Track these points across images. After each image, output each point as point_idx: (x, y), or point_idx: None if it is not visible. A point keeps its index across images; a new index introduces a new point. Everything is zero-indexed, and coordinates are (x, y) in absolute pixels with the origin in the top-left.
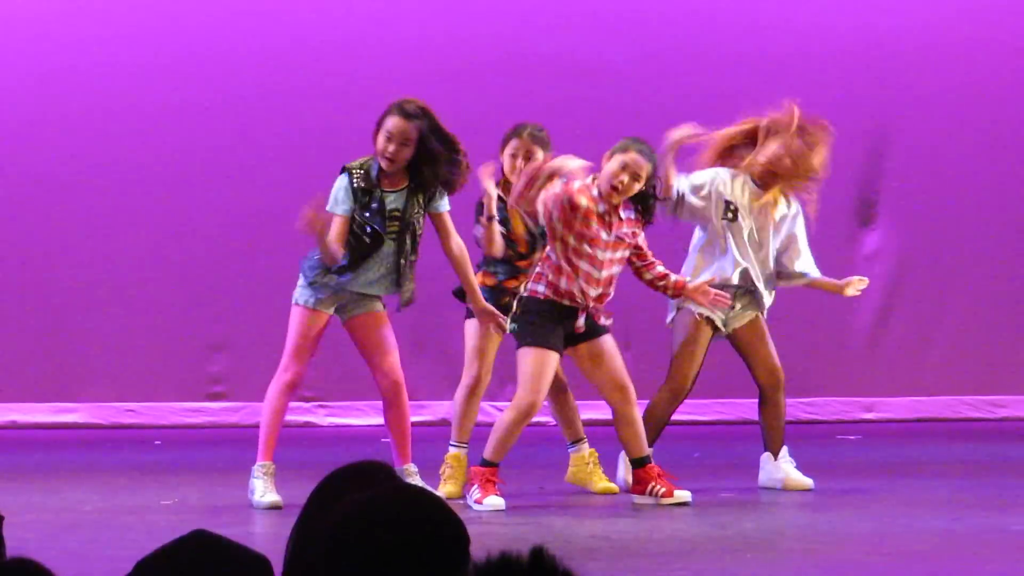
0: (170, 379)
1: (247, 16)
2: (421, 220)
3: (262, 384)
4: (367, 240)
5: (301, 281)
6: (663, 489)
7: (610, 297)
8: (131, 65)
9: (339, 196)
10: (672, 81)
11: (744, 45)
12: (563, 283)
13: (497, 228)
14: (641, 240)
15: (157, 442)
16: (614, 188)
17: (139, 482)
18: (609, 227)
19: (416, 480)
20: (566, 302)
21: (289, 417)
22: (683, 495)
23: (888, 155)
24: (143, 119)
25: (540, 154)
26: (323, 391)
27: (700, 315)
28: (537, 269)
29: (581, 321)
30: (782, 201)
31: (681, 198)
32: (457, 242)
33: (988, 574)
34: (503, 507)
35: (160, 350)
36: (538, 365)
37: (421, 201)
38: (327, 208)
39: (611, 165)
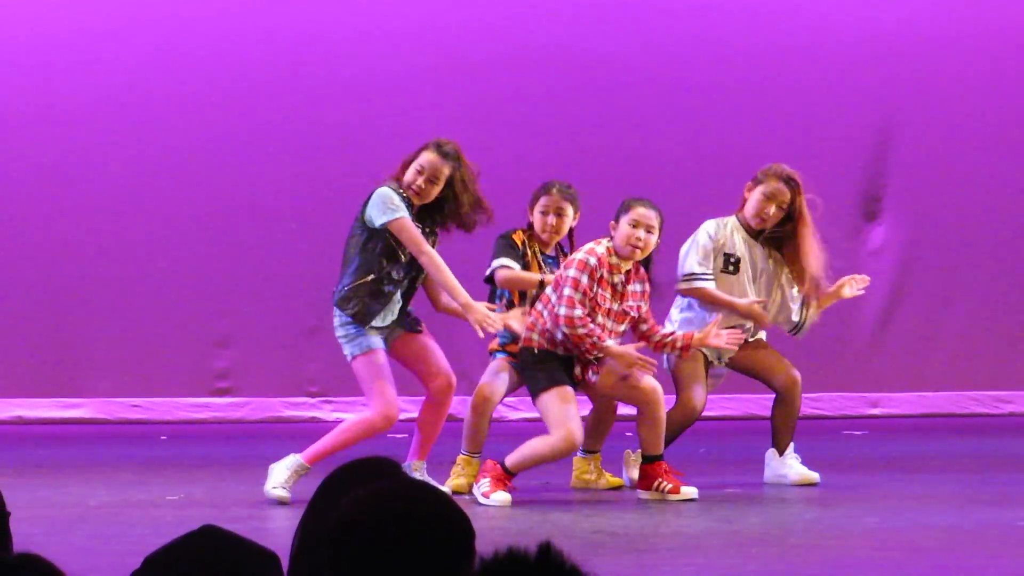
0: (176, 375)
1: (254, 12)
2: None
3: (268, 380)
4: (403, 259)
5: (346, 334)
6: (670, 485)
7: (607, 360)
8: (137, 61)
9: (395, 202)
10: (676, 74)
11: (750, 39)
12: (559, 335)
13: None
14: (645, 310)
15: (163, 437)
16: (634, 247)
17: (145, 477)
18: (621, 298)
19: (423, 476)
20: (560, 351)
21: (294, 412)
22: (690, 491)
23: (893, 150)
24: (150, 114)
25: (570, 210)
26: (328, 386)
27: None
28: (530, 318)
29: (578, 370)
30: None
31: (695, 276)
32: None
33: (994, 569)
34: (509, 503)
35: (166, 346)
36: (557, 403)
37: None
38: (382, 219)
39: (622, 228)
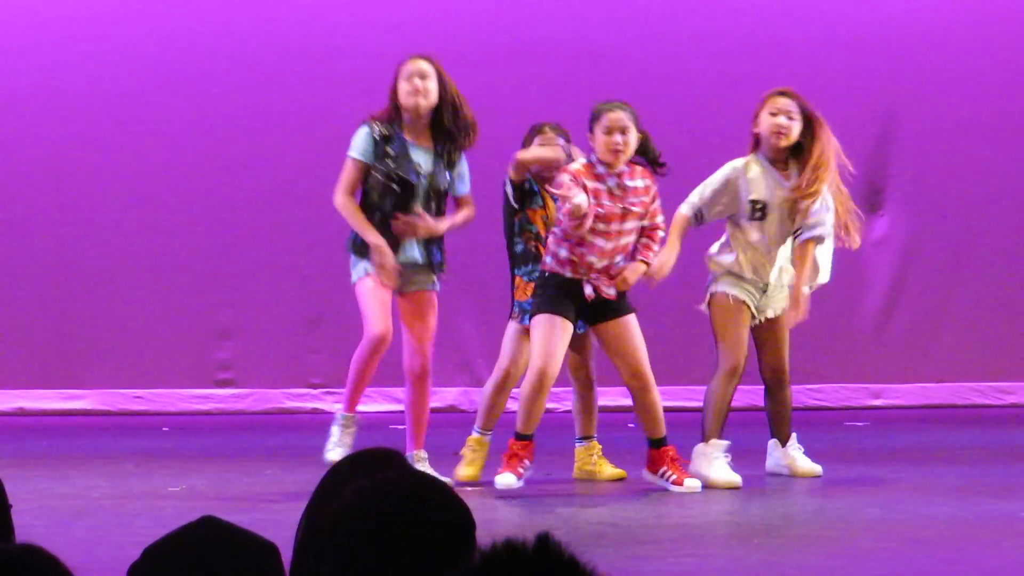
0: (178, 366)
1: (254, 6)
2: (448, 186)
3: (269, 371)
4: (398, 190)
5: (352, 260)
6: (675, 476)
7: (618, 270)
8: (139, 53)
9: (356, 141)
10: (678, 66)
11: (753, 30)
12: (563, 252)
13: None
14: (654, 207)
15: (165, 429)
16: (615, 152)
17: (147, 469)
18: (621, 198)
19: (425, 467)
20: (568, 273)
21: (297, 404)
22: (693, 484)
23: (896, 141)
24: (151, 107)
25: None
26: (331, 377)
27: (733, 297)
28: (548, 240)
29: (589, 290)
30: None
31: (701, 217)
32: (471, 214)
33: (996, 560)
34: (514, 486)
35: (168, 337)
36: (546, 330)
37: (447, 169)
38: (347, 154)
39: (598, 137)
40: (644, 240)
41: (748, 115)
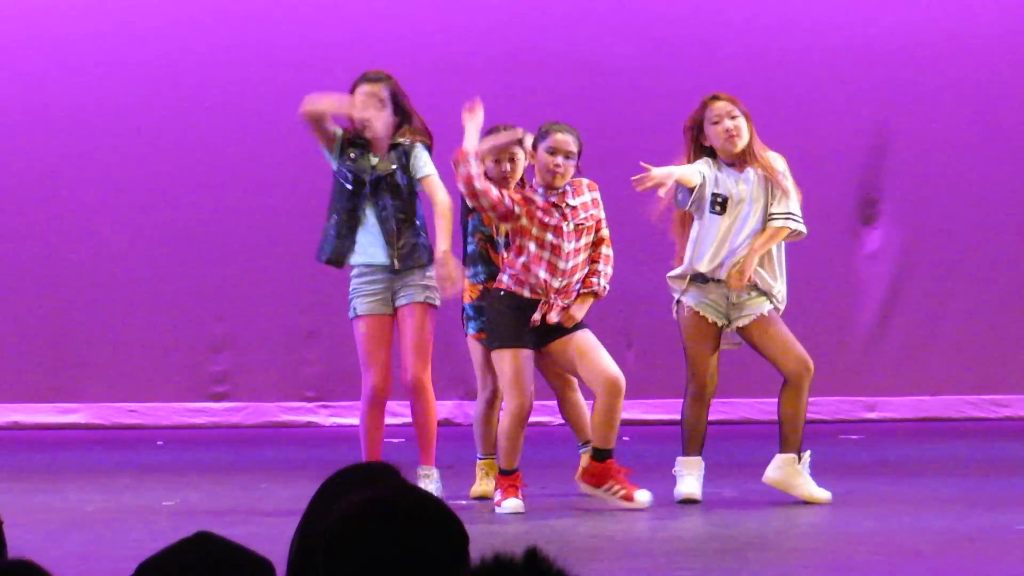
0: (172, 379)
1: (252, 16)
2: (407, 179)
3: (264, 384)
4: (349, 188)
5: (349, 295)
6: (623, 491)
7: (577, 287)
8: (133, 64)
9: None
10: (673, 78)
11: (746, 43)
12: (521, 272)
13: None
14: (600, 219)
15: (159, 442)
16: (554, 174)
17: (141, 483)
18: (566, 217)
19: (429, 484)
20: (526, 293)
21: (291, 417)
22: (643, 498)
23: (890, 153)
24: (145, 118)
25: (521, 154)
26: (325, 391)
27: (694, 310)
28: (505, 256)
29: (538, 315)
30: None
31: (703, 185)
32: (441, 198)
33: (991, 573)
34: (521, 509)
35: (162, 350)
36: (515, 367)
37: (401, 160)
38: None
39: (540, 156)
40: (592, 266)
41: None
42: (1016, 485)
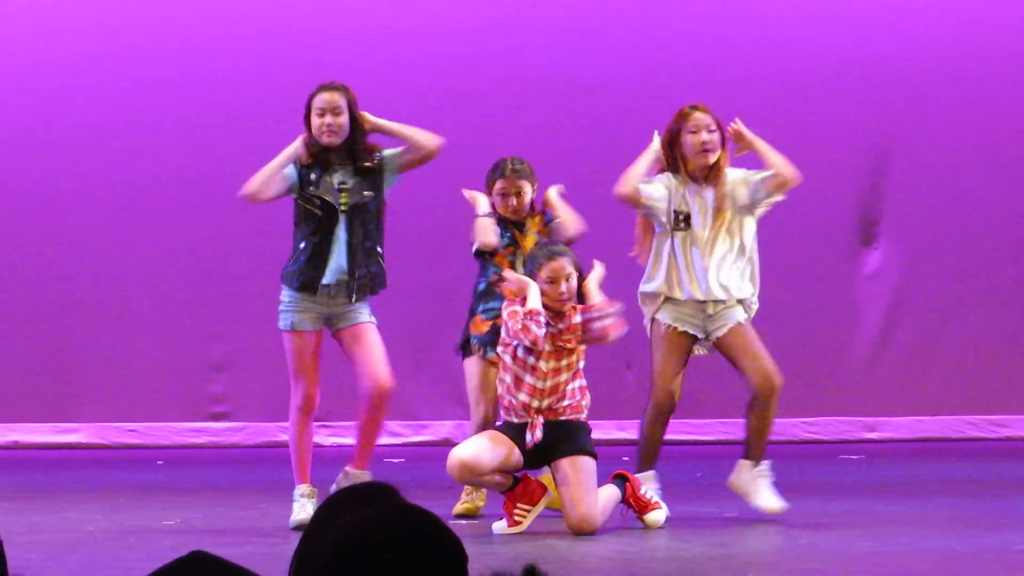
0: (172, 399)
1: (252, 36)
2: (377, 204)
3: (264, 404)
4: (319, 214)
5: (281, 306)
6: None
7: (564, 405)
8: (134, 86)
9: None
10: (672, 101)
11: (746, 64)
12: (508, 398)
13: (488, 221)
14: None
15: (159, 462)
16: (562, 301)
17: (142, 502)
18: (550, 338)
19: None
20: (514, 419)
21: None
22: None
23: (889, 174)
24: (146, 139)
25: (527, 187)
26: (325, 411)
27: (670, 326)
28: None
29: (529, 438)
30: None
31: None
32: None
33: None
34: (504, 529)
35: (162, 370)
36: (477, 433)
37: (376, 183)
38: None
39: (545, 287)
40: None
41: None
42: (1016, 505)
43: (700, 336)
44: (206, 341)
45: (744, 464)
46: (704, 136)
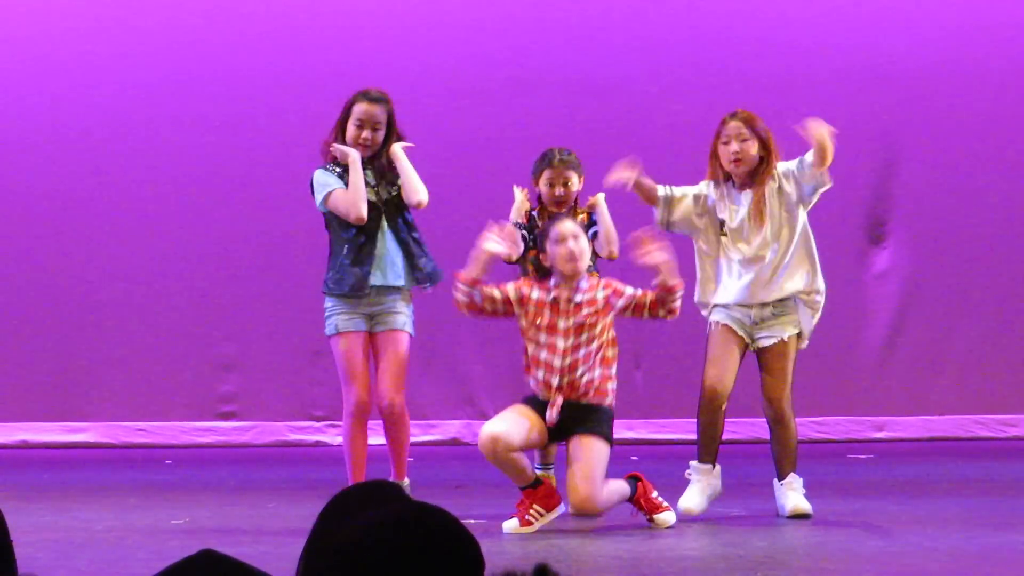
0: (181, 399)
1: (260, 38)
2: (397, 191)
3: (273, 404)
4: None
5: (325, 313)
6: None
7: (585, 382)
8: (143, 85)
9: (322, 179)
10: (682, 101)
11: (755, 65)
12: (529, 376)
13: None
14: (622, 298)
15: (168, 461)
16: (571, 260)
17: (150, 501)
18: (567, 314)
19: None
20: (541, 395)
21: (299, 436)
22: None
23: (898, 174)
24: (155, 138)
25: (575, 177)
26: (333, 410)
27: (720, 323)
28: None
29: (548, 416)
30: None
31: (670, 203)
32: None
33: None
34: (516, 529)
35: (171, 370)
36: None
37: (394, 179)
38: (319, 202)
39: (553, 249)
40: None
41: None
42: None
43: (747, 341)
44: (215, 341)
45: (777, 483)
46: (734, 147)
